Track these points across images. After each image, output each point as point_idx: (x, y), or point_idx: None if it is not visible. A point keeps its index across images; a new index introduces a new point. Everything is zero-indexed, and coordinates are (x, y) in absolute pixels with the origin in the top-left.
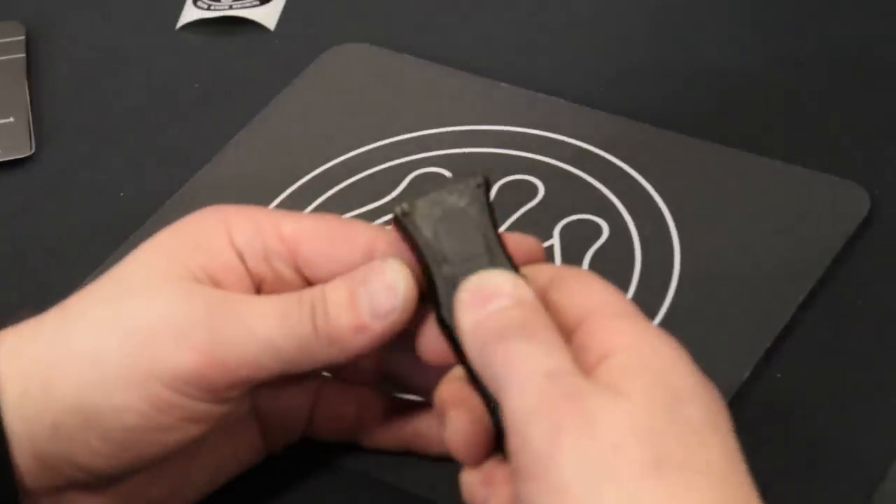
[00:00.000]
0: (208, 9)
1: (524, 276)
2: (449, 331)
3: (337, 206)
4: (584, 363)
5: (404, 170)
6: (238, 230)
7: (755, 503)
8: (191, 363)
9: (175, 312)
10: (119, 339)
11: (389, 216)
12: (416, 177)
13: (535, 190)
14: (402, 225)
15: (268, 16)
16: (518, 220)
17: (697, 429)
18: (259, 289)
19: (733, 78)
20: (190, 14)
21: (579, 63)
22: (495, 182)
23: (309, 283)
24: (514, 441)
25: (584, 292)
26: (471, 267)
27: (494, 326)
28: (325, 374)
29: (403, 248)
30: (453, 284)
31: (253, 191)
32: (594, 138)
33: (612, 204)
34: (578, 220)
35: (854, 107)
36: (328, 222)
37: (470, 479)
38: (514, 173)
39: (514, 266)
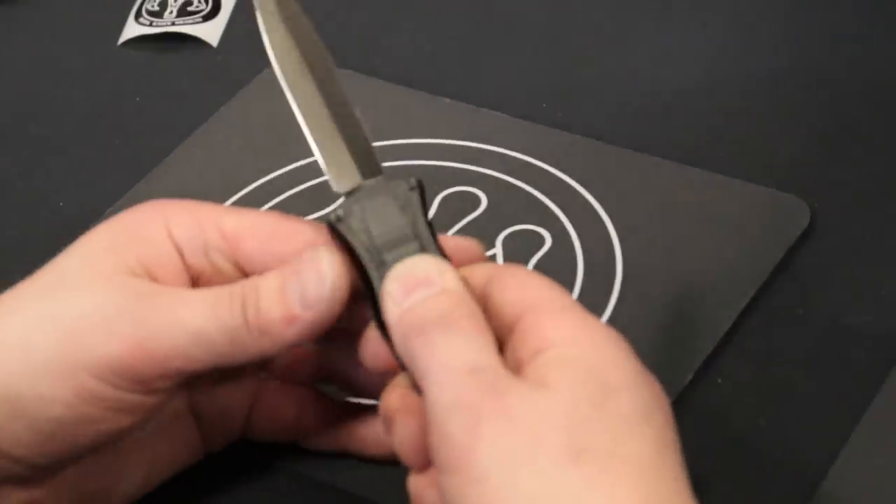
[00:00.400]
0: (150, 25)
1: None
2: (387, 334)
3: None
4: (519, 358)
5: None
6: (177, 224)
7: (685, 497)
8: (118, 353)
9: (105, 304)
10: (49, 330)
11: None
12: None
13: (477, 201)
14: (337, 231)
15: (210, 32)
16: (461, 230)
17: (628, 420)
18: (196, 283)
19: (674, 93)
20: (132, 30)
21: (522, 79)
22: (438, 193)
23: (247, 277)
24: (435, 435)
25: (524, 288)
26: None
27: (416, 318)
28: (264, 374)
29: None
30: None
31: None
32: (537, 152)
33: (554, 215)
34: (521, 231)
35: (794, 121)
36: (270, 219)
37: (418, 483)
38: (456, 185)
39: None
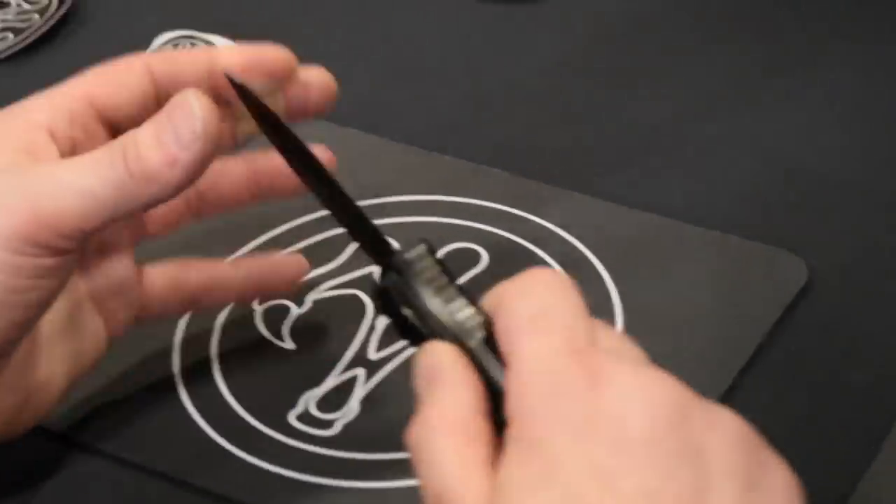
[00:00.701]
0: None
1: (483, 315)
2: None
3: None
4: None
5: (348, 238)
6: (36, 112)
7: None
8: (15, 225)
9: None
10: None
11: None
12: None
13: (478, 257)
14: (387, 297)
15: None
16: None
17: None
18: (74, 153)
19: (670, 151)
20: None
21: (521, 137)
22: (439, 250)
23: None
24: None
25: (503, 337)
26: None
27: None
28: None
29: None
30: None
31: (199, 253)
32: (537, 209)
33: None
34: None
35: (790, 178)
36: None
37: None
38: (457, 241)
39: (476, 307)
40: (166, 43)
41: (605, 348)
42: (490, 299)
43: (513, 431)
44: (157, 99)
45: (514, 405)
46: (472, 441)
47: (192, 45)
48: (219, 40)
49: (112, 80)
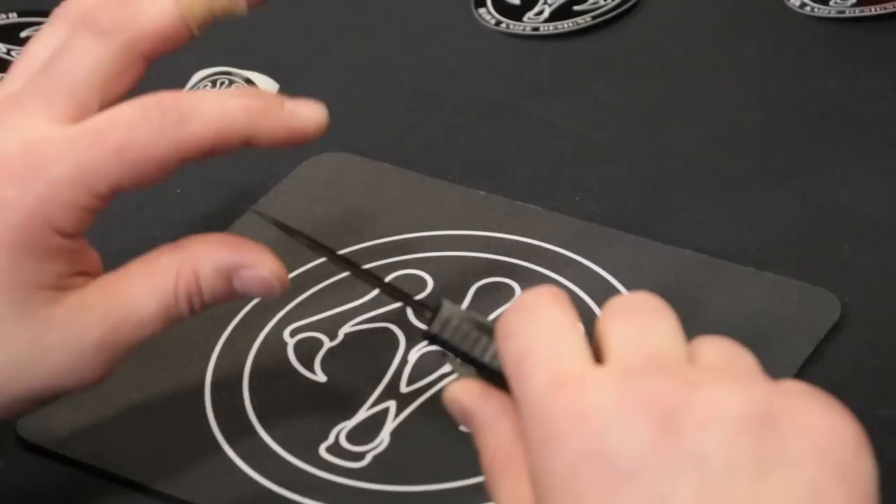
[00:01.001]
0: None
1: None
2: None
3: (316, 305)
4: None
5: (383, 272)
6: (62, 222)
7: None
8: (89, 377)
9: (67, 340)
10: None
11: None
12: (395, 278)
13: (511, 292)
14: (435, 335)
15: None
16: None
17: None
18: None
19: (707, 185)
20: None
21: (555, 172)
22: (472, 284)
23: None
24: None
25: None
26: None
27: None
28: None
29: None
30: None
31: None
32: (571, 244)
33: (587, 306)
34: None
35: (825, 214)
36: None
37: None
38: (490, 276)
39: None
40: (204, 79)
41: (610, 355)
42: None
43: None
44: None
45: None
46: (518, 473)
47: (231, 81)
48: (257, 77)
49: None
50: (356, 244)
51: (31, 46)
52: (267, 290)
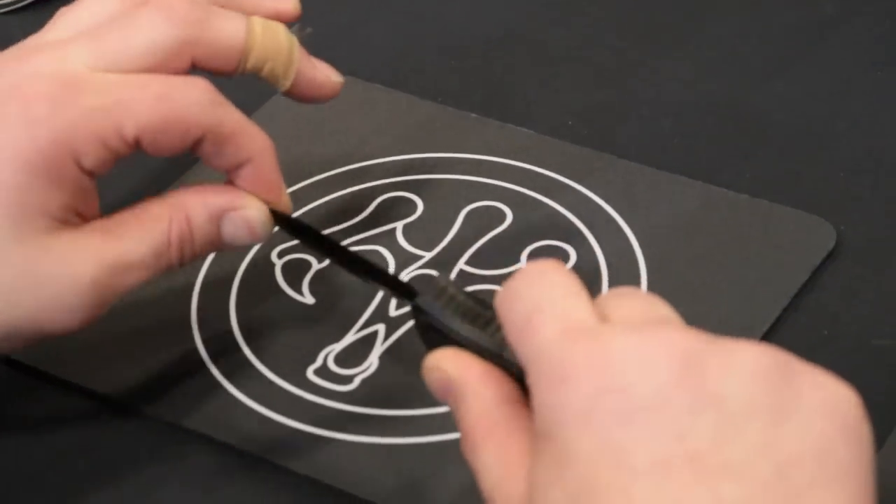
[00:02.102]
0: None
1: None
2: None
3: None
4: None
5: (372, 194)
6: (84, 153)
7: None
8: (79, 318)
9: (60, 274)
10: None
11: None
12: (385, 201)
13: (502, 216)
14: (421, 316)
15: None
16: (486, 244)
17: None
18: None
19: (701, 113)
20: None
21: (548, 96)
22: (463, 208)
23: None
24: None
25: (510, 335)
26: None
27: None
28: None
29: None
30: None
31: None
32: (562, 168)
33: (579, 232)
34: (546, 246)
35: (820, 142)
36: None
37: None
38: (482, 200)
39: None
40: None
41: (615, 319)
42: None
43: (536, 426)
44: None
45: (533, 403)
46: (510, 433)
47: None
48: None
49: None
50: (345, 165)
51: (81, 4)
52: (252, 232)
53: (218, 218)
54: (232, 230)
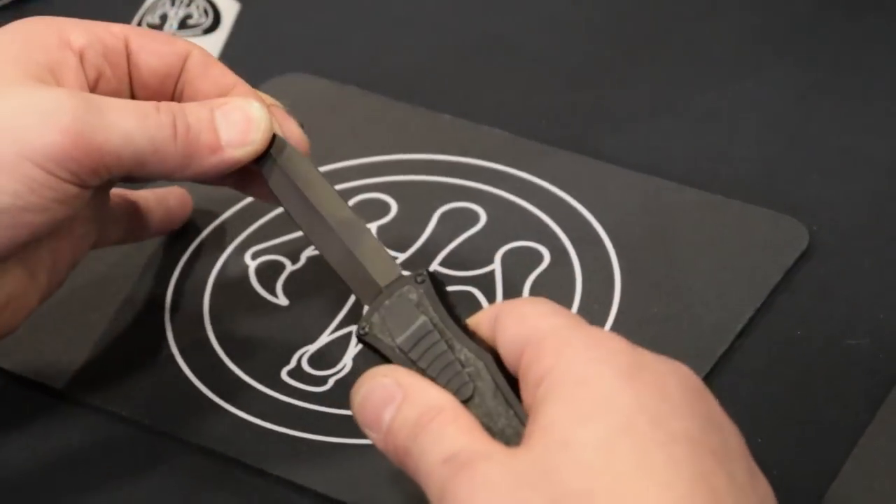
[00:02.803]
0: None
1: (487, 350)
2: None
3: (277, 228)
4: (530, 395)
5: (347, 195)
6: (73, 32)
7: None
8: (60, 143)
9: (39, 99)
10: None
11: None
12: (359, 202)
13: (476, 217)
14: (367, 343)
15: (210, 46)
16: (460, 245)
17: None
18: (95, 88)
19: (674, 115)
20: None
21: (520, 97)
22: (437, 209)
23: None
24: None
25: (523, 321)
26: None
27: (396, 440)
28: None
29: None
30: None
31: (194, 212)
32: (536, 169)
33: (553, 233)
34: (520, 247)
35: (793, 143)
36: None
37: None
38: (456, 201)
39: (476, 341)
40: None
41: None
42: (498, 308)
43: (552, 379)
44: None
45: (551, 358)
46: (461, 412)
47: (192, 0)
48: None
49: (152, 39)
50: (319, 166)
51: None
52: (248, 125)
53: (211, 107)
54: (226, 124)
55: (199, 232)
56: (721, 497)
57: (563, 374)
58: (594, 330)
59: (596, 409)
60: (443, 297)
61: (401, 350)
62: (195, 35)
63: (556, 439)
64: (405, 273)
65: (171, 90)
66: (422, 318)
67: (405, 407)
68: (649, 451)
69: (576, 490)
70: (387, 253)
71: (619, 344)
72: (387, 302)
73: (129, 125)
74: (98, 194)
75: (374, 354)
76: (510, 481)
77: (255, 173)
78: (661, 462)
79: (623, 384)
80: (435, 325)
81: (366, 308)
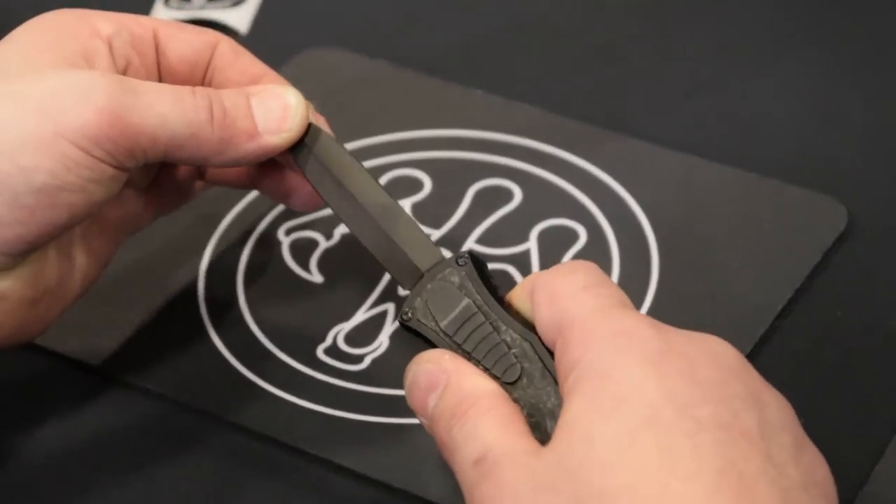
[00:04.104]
0: (179, 10)
1: (530, 333)
2: None
3: None
4: (563, 381)
5: (379, 172)
6: (101, 22)
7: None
8: (96, 121)
9: (75, 79)
10: (21, 105)
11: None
12: (392, 179)
13: (511, 195)
14: (411, 329)
15: (240, 19)
16: (495, 223)
17: (632, 434)
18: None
19: (711, 92)
20: (160, 14)
21: (555, 73)
22: (471, 185)
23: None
24: None
25: (556, 302)
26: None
27: (439, 429)
28: None
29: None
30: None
31: (221, 190)
32: (570, 146)
33: (589, 211)
34: (556, 226)
35: (832, 122)
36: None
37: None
38: (490, 177)
39: (520, 322)
40: None
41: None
42: (532, 281)
43: (579, 372)
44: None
45: (579, 350)
46: (501, 402)
47: None
48: None
49: (181, 29)
50: (350, 142)
51: None
52: (285, 113)
53: (247, 94)
54: (262, 111)
55: (231, 208)
56: (751, 483)
57: (588, 367)
58: (623, 315)
59: (619, 402)
60: (485, 278)
61: (445, 334)
62: (224, 7)
63: (578, 436)
64: (446, 256)
65: (199, 80)
66: (465, 301)
67: (446, 395)
68: (674, 442)
69: (597, 489)
70: (426, 236)
71: (647, 330)
72: (429, 286)
73: (165, 107)
74: (137, 191)
75: (418, 339)
76: (533, 485)
77: (265, 169)
78: (686, 453)
79: (649, 372)
80: (479, 308)
81: (407, 293)
